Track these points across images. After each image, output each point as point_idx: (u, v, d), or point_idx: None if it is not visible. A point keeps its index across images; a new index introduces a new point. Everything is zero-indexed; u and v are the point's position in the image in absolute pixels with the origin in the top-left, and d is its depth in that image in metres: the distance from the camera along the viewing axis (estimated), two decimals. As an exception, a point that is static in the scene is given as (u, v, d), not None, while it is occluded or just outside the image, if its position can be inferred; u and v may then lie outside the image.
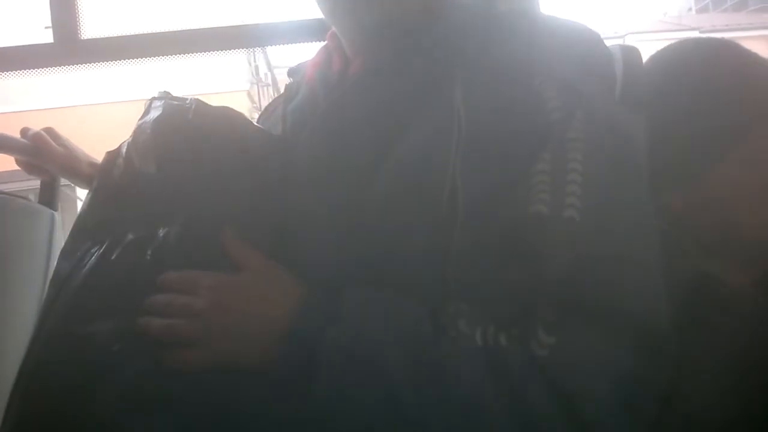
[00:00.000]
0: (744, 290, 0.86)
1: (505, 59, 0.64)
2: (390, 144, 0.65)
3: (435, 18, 0.70)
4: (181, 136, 0.67)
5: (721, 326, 0.81)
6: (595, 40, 0.69)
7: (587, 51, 0.67)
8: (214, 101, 0.74)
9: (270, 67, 8.74)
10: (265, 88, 8.31)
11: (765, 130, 0.83)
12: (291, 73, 0.87)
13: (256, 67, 8.19)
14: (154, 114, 0.69)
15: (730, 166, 0.84)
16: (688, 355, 0.77)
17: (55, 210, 1.19)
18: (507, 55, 0.65)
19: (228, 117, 0.70)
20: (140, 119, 0.71)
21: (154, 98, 0.72)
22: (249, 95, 7.82)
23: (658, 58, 0.91)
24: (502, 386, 0.55)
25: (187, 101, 0.69)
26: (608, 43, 0.72)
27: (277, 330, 0.59)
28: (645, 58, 0.90)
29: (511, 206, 0.59)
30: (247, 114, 0.76)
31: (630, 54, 0.82)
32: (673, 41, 0.93)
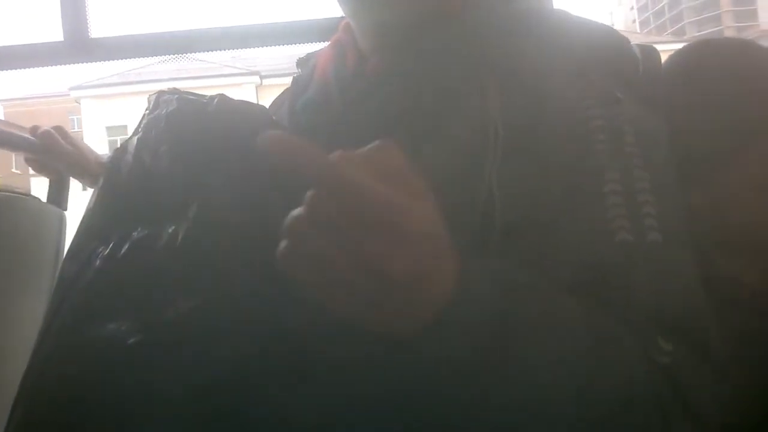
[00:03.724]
0: (763, 290, 0.83)
1: (538, 64, 0.60)
2: (418, 146, 0.60)
3: (454, 17, 0.66)
4: (198, 132, 0.63)
5: (740, 327, 0.78)
6: (624, 44, 0.65)
7: (617, 55, 0.64)
8: None
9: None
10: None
11: None
12: (300, 63, 0.82)
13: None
14: (167, 108, 0.65)
15: (749, 165, 0.81)
16: None
17: (65, 209, 1.16)
18: (540, 59, 0.60)
19: (247, 113, 0.66)
20: (149, 114, 0.68)
21: (161, 92, 0.69)
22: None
23: (676, 58, 0.89)
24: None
25: (206, 97, 0.65)
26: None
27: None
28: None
29: (590, 232, 0.54)
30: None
31: (649, 55, 0.80)
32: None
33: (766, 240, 0.82)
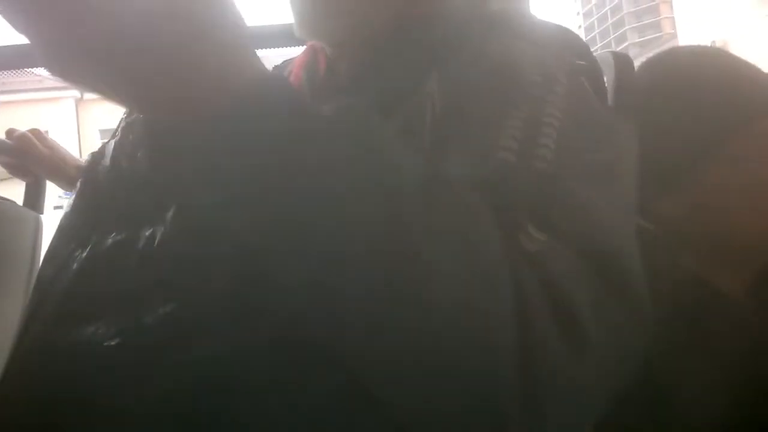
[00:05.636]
0: (737, 296, 0.83)
1: (486, 48, 0.58)
2: None
3: (410, 27, 0.66)
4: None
5: (714, 333, 0.77)
6: (585, 48, 0.63)
7: (578, 54, 0.62)
8: None
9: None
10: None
11: (751, 131, 0.80)
12: (276, 71, 0.80)
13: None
14: None
15: (718, 169, 0.80)
16: (681, 362, 0.74)
17: (41, 213, 1.13)
18: (489, 45, 0.59)
19: None
20: (126, 118, 0.66)
21: None
22: None
23: (647, 66, 0.88)
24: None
25: None
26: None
27: None
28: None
29: (477, 153, 0.50)
30: None
31: (622, 61, 0.79)
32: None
33: (737, 245, 0.82)
